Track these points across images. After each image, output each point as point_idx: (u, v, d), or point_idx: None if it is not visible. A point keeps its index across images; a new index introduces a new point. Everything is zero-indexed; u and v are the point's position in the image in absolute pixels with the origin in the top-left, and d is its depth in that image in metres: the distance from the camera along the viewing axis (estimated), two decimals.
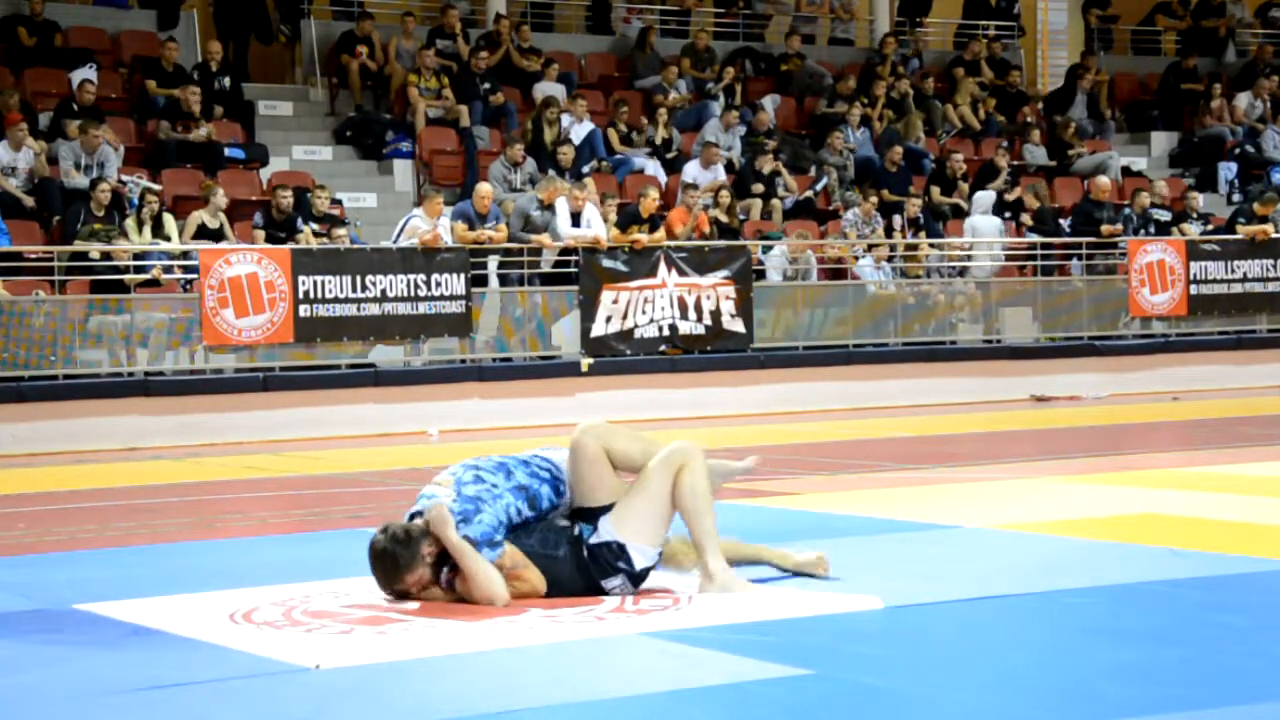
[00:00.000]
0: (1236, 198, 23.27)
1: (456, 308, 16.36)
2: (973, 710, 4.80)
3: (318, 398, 15.74)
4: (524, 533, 6.50)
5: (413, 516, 6.45)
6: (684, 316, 17.23)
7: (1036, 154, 22.92)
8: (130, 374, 15.36)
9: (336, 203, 18.03)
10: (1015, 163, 22.13)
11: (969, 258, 19.76)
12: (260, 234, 16.41)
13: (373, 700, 5.01)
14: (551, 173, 18.64)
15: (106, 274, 15.54)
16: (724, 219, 18.63)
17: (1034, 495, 9.91)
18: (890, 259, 19.14)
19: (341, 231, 16.61)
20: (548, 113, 20.13)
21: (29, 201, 16.66)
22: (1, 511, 10.63)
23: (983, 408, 17.65)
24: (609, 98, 21.68)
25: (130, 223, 15.92)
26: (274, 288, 15.47)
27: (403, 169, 20.19)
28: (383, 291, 15.98)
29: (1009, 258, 19.99)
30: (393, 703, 4.98)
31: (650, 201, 17.57)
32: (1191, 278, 19.68)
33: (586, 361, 16.82)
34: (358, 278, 15.89)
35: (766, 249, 18.58)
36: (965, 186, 21.10)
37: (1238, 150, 24.35)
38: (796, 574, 6.92)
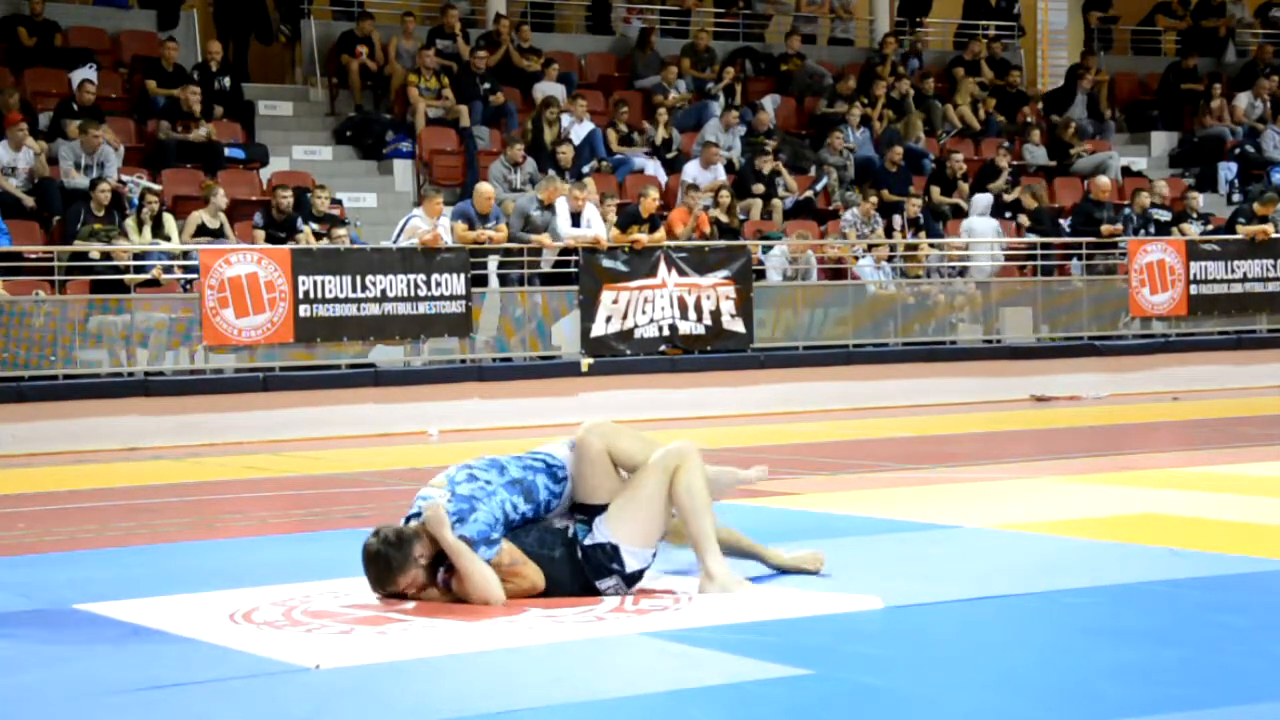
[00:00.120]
0: (1236, 198, 23.27)
1: (456, 308, 16.36)
2: (973, 710, 4.80)
3: (318, 398, 15.74)
4: (522, 532, 6.51)
5: (409, 519, 6.46)
6: (684, 316, 17.23)
7: (1036, 154, 22.92)
8: (130, 374, 15.36)
9: (336, 203, 18.03)
10: (1015, 163, 22.13)
11: (967, 259, 19.76)
12: (260, 234, 16.41)
13: (373, 700, 5.01)
14: (551, 173, 18.64)
15: (106, 274, 15.54)
16: (724, 219, 18.63)
17: (1034, 495, 9.90)
18: (890, 259, 19.14)
19: (341, 231, 16.61)
20: (548, 113, 20.13)
21: (29, 201, 16.66)
22: (1, 511, 10.63)
23: (983, 408, 17.65)
24: (609, 98, 21.68)
25: (130, 223, 15.92)
26: (274, 288, 15.47)
27: (403, 169, 20.19)
28: (383, 291, 15.98)
29: (1009, 258, 19.99)
30: (393, 703, 4.98)
31: (650, 201, 17.57)
32: (1191, 278, 19.68)
33: (586, 361, 16.82)
34: (358, 278, 15.89)
35: (766, 249, 18.58)
36: (965, 186, 21.10)
37: (1238, 150, 24.35)
38: (790, 572, 6.94)
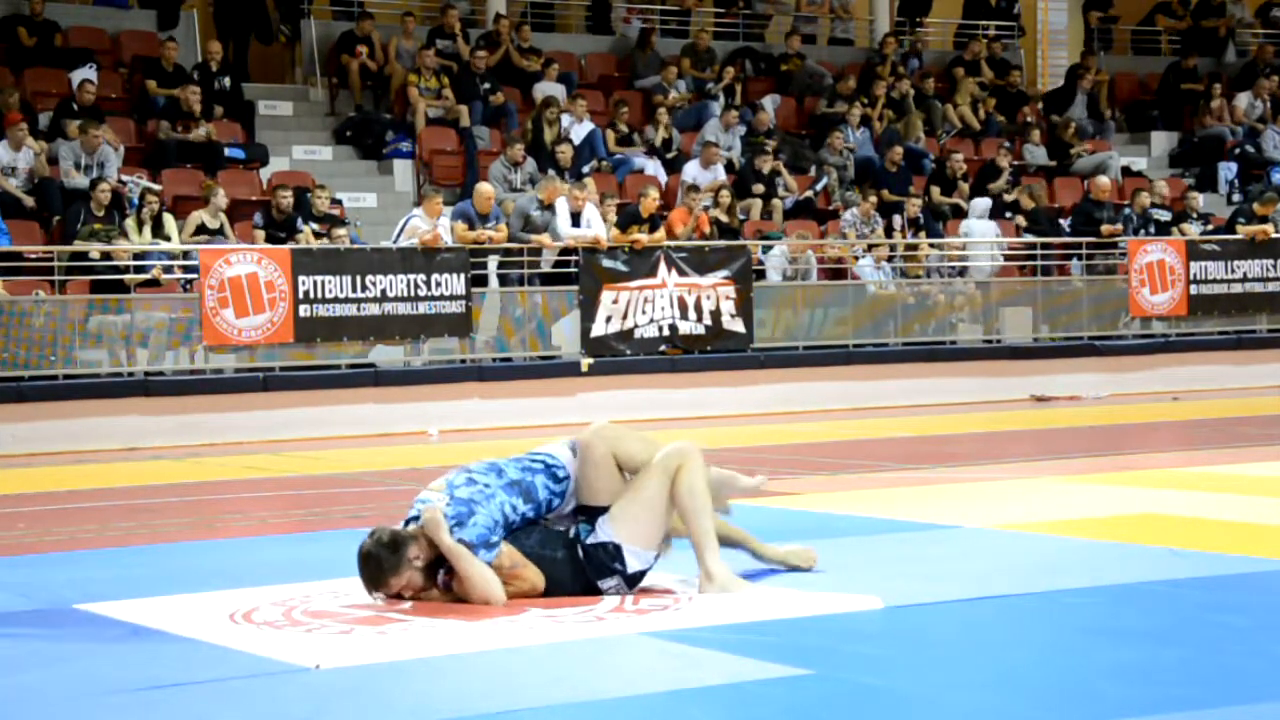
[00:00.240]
0: (1236, 198, 23.27)
1: (456, 308, 16.36)
2: (973, 710, 4.80)
3: (318, 398, 15.74)
4: (523, 533, 6.51)
5: (408, 523, 6.47)
6: (684, 316, 17.23)
7: (1036, 154, 22.92)
8: (130, 374, 15.36)
9: (336, 203, 18.03)
10: (1015, 163, 22.13)
11: (967, 260, 19.75)
12: (260, 234, 16.41)
13: (373, 700, 5.01)
14: (551, 173, 18.64)
15: (106, 274, 15.54)
16: (724, 219, 18.63)
17: (1034, 495, 9.90)
18: (890, 259, 19.14)
19: (341, 231, 16.61)
20: (548, 113, 20.13)
21: (29, 201, 16.66)
22: (1, 511, 10.64)
23: (983, 408, 17.65)
24: (609, 98, 21.68)
25: (130, 223, 15.92)
26: (274, 288, 15.47)
27: (403, 169, 20.19)
28: (383, 291, 15.98)
29: (1009, 258, 19.99)
30: (393, 703, 4.98)
31: (650, 201, 17.57)
32: (1191, 278, 19.68)
33: (586, 361, 16.82)
34: (358, 278, 15.89)
35: (766, 249, 18.58)
36: (965, 186, 21.10)
37: (1238, 150, 24.35)
38: (781, 567, 6.95)
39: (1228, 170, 24.14)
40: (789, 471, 11.43)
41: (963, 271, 19.71)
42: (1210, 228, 20.88)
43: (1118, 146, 24.32)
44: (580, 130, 20.35)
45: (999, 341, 19.14)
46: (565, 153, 19.35)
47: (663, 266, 17.11)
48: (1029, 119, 23.58)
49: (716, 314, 17.37)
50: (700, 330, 17.33)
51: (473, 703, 4.96)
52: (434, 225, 16.42)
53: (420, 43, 21.19)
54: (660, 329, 17.16)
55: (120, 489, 11.89)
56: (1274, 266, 20.13)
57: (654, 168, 20.50)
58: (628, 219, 17.53)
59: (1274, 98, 25.46)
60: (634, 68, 22.84)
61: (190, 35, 21.08)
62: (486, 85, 20.85)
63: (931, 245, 19.65)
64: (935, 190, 21.08)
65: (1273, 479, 10.41)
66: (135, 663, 5.61)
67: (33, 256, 15.67)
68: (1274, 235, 20.18)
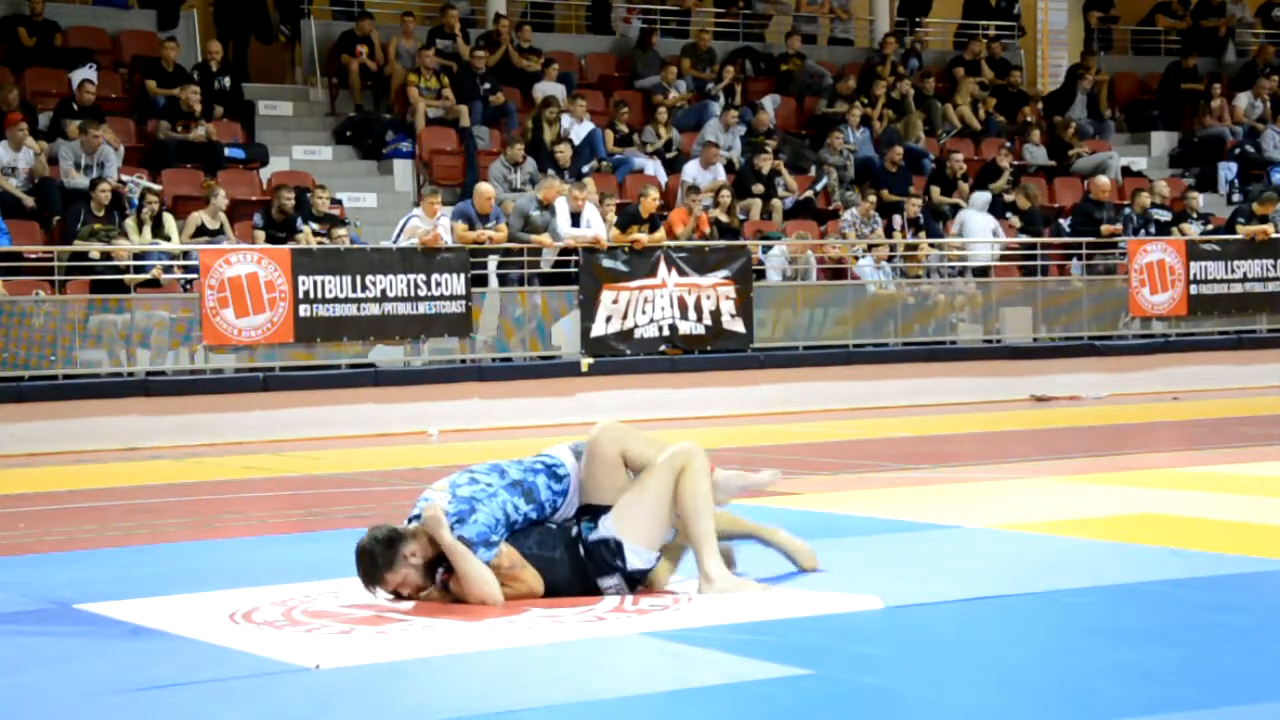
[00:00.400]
0: (1236, 198, 23.27)
1: (456, 308, 16.36)
2: (973, 710, 4.80)
3: (318, 398, 15.74)
4: (523, 533, 6.51)
5: (411, 521, 6.47)
6: (684, 316, 17.23)
7: (1037, 154, 22.92)
8: (130, 374, 15.36)
9: (336, 203, 18.03)
10: (1016, 163, 22.13)
11: (966, 257, 19.73)
12: (260, 234, 16.41)
13: (373, 700, 5.01)
14: (551, 173, 18.63)
15: (106, 274, 15.54)
16: (724, 219, 18.63)
17: (1034, 495, 9.90)
18: (890, 259, 19.14)
19: (341, 231, 16.61)
20: (548, 113, 20.13)
21: (29, 201, 16.65)
22: (1, 511, 10.64)
23: (983, 408, 17.65)
24: (609, 98, 21.68)
25: (130, 223, 15.92)
26: (274, 288, 15.47)
27: (403, 169, 20.19)
28: (383, 291, 15.98)
29: (1008, 258, 19.98)
30: (393, 703, 4.98)
31: (650, 201, 17.56)
32: (1191, 278, 19.68)
33: (586, 361, 16.81)
34: (358, 278, 15.89)
35: (766, 249, 18.58)
36: (965, 186, 21.09)
37: (1238, 150, 24.35)
38: (785, 553, 6.96)
39: (1228, 170, 24.14)
40: (789, 471, 11.42)
41: (963, 271, 19.68)
42: (1210, 228, 20.88)
43: (1118, 146, 24.32)
44: (580, 130, 20.35)
45: (999, 341, 19.14)
46: (565, 153, 19.35)
47: (663, 266, 17.11)
48: (1029, 119, 23.57)
49: (716, 314, 17.37)
50: (700, 330, 17.33)
51: (473, 703, 4.96)
52: (434, 225, 16.42)
53: (420, 43, 21.19)
54: (660, 329, 17.16)
55: (120, 489, 11.89)
56: (1274, 266, 20.13)
57: (654, 168, 20.50)
58: (628, 219, 17.53)
59: (1274, 98, 25.46)
60: (634, 68, 22.84)
61: (190, 35, 21.07)
62: (486, 85, 20.85)
63: (931, 245, 19.65)
64: (935, 190, 21.07)
65: (1273, 479, 10.41)
66: (135, 663, 5.61)
67: (33, 256, 15.67)
68: (1274, 235, 20.18)
